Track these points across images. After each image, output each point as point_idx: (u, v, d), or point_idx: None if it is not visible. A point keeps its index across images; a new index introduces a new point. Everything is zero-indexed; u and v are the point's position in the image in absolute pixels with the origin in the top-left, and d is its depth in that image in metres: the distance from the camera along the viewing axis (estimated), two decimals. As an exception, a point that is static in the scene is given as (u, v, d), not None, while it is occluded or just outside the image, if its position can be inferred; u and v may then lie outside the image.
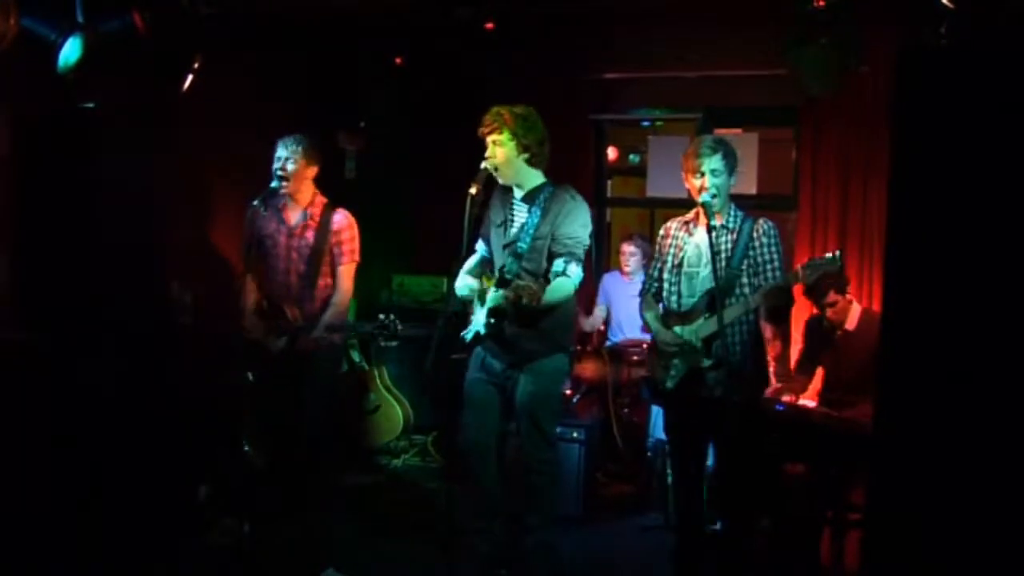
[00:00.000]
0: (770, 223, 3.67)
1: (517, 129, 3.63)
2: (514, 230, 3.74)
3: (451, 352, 3.89)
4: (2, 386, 3.73)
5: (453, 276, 3.81)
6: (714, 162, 3.55)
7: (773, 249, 3.62)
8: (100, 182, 4.04)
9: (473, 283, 3.84)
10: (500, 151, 3.66)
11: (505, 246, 3.75)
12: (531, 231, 3.67)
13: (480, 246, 3.99)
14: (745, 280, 3.61)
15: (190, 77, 4.10)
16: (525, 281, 3.36)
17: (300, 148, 4.07)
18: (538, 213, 3.68)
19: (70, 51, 3.55)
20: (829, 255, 3.50)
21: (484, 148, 3.74)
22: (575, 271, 3.60)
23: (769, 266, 3.61)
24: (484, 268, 3.91)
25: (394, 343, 4.09)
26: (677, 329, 3.68)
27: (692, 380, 3.65)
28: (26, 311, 4.01)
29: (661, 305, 3.85)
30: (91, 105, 3.98)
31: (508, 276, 3.61)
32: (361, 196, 5.41)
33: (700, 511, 3.85)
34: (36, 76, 3.67)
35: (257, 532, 4.27)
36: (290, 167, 4.06)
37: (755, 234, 3.62)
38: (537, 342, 3.67)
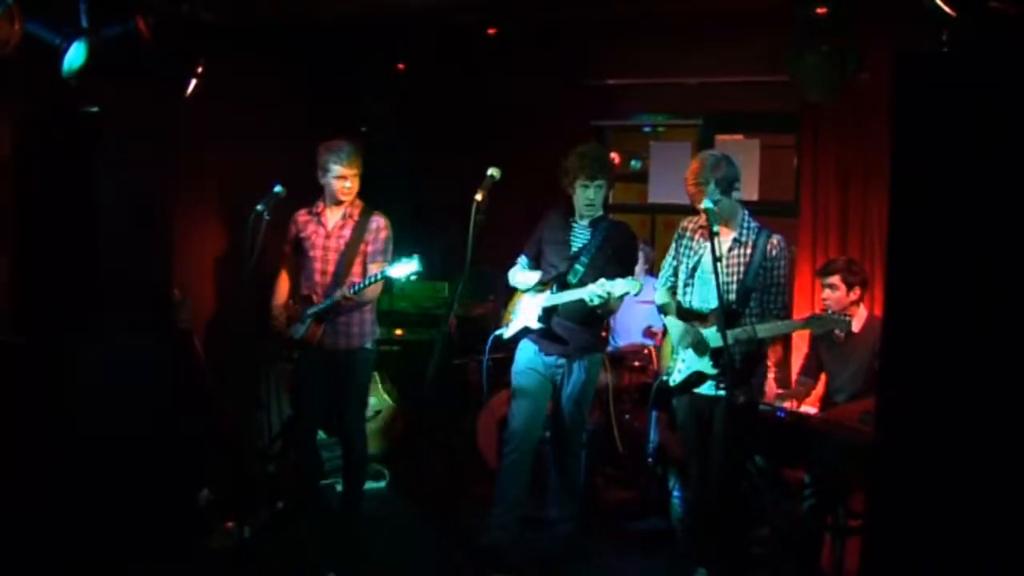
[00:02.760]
0: (784, 243, 3.78)
1: (611, 173, 4.10)
2: (576, 246, 4.11)
3: (452, 357, 3.91)
4: (2, 388, 3.73)
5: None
6: (712, 194, 3.62)
7: (782, 273, 3.74)
8: (102, 186, 4.05)
9: (532, 280, 4.14)
10: (600, 193, 4.05)
11: (566, 258, 4.10)
12: (593, 250, 4.05)
13: (524, 260, 4.26)
14: (755, 298, 3.71)
15: (192, 82, 4.11)
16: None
17: (357, 160, 4.13)
18: (601, 237, 4.07)
19: (74, 55, 3.57)
20: (847, 317, 3.77)
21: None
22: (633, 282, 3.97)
23: (775, 289, 3.73)
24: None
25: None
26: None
27: (695, 382, 3.78)
28: (27, 314, 4.02)
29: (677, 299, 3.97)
30: (94, 109, 3.99)
31: (572, 281, 4.02)
32: (362, 201, 5.42)
33: (726, 501, 3.88)
34: (40, 80, 3.68)
35: (257, 536, 4.28)
36: (356, 182, 4.15)
37: (769, 252, 3.71)
38: (589, 337, 4.14)
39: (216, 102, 4.35)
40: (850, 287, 4.30)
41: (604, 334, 5.87)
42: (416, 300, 5.98)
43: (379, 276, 4.08)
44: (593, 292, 3.79)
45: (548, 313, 4.07)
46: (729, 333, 3.52)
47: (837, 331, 4.25)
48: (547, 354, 4.11)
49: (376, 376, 5.77)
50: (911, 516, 2.45)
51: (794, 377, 4.91)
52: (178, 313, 4.62)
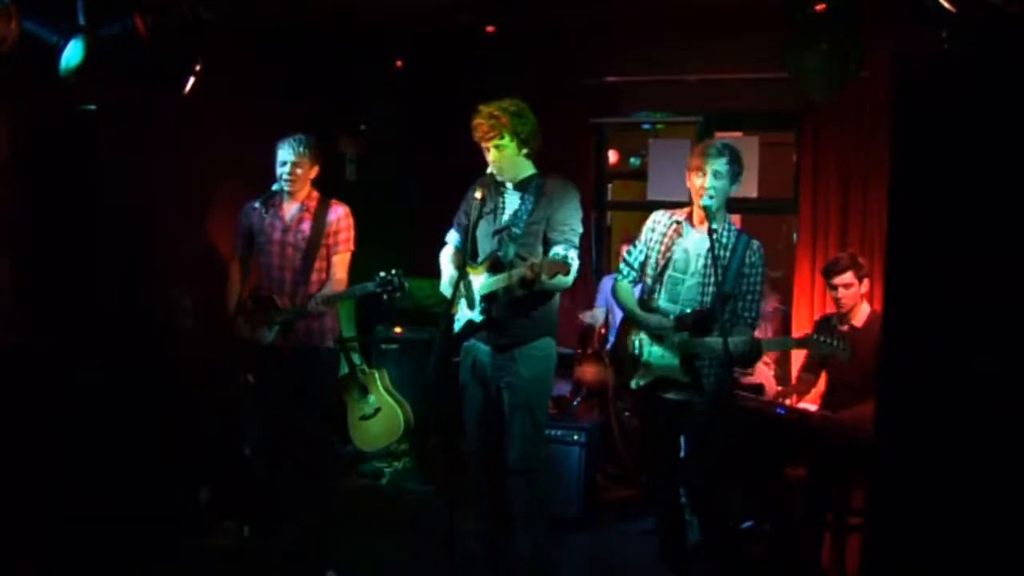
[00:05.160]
0: (761, 249, 3.61)
1: (516, 128, 3.61)
2: (506, 216, 3.70)
3: (453, 355, 3.89)
4: (3, 388, 3.73)
5: (458, 280, 3.71)
6: (719, 164, 3.51)
7: (758, 281, 3.58)
8: (101, 185, 4.05)
9: (456, 275, 3.70)
10: (503, 154, 3.63)
11: (496, 232, 3.70)
12: (524, 216, 3.63)
13: (453, 236, 3.93)
14: (729, 307, 3.54)
15: (191, 80, 4.10)
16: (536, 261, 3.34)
17: (306, 151, 4.00)
18: (531, 200, 3.64)
19: (71, 54, 3.56)
20: (842, 346, 3.58)
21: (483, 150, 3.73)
22: (575, 258, 3.56)
23: (749, 296, 3.57)
24: (461, 259, 3.77)
25: (399, 294, 4.01)
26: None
27: (661, 385, 3.63)
28: (27, 314, 4.02)
29: (638, 290, 3.79)
30: (92, 108, 3.99)
31: (504, 260, 3.60)
32: (362, 199, 5.39)
33: (678, 509, 3.86)
34: (38, 79, 3.67)
35: (257, 535, 4.28)
36: (299, 172, 4.00)
37: (748, 259, 3.56)
38: (527, 327, 3.66)
39: (215, 100, 4.33)
40: (861, 280, 4.29)
41: (603, 330, 5.89)
42: (416, 298, 5.97)
43: (357, 292, 3.98)
44: (517, 272, 3.38)
45: (489, 301, 3.61)
46: (730, 341, 3.39)
47: (847, 289, 4.25)
48: (489, 346, 3.69)
49: (376, 374, 5.77)
50: (912, 514, 2.45)
51: (794, 374, 4.91)
52: (178, 311, 4.62)
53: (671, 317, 3.60)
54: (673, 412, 3.63)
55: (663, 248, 3.67)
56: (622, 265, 3.85)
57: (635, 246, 3.81)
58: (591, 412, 5.30)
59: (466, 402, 3.83)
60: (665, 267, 3.64)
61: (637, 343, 3.69)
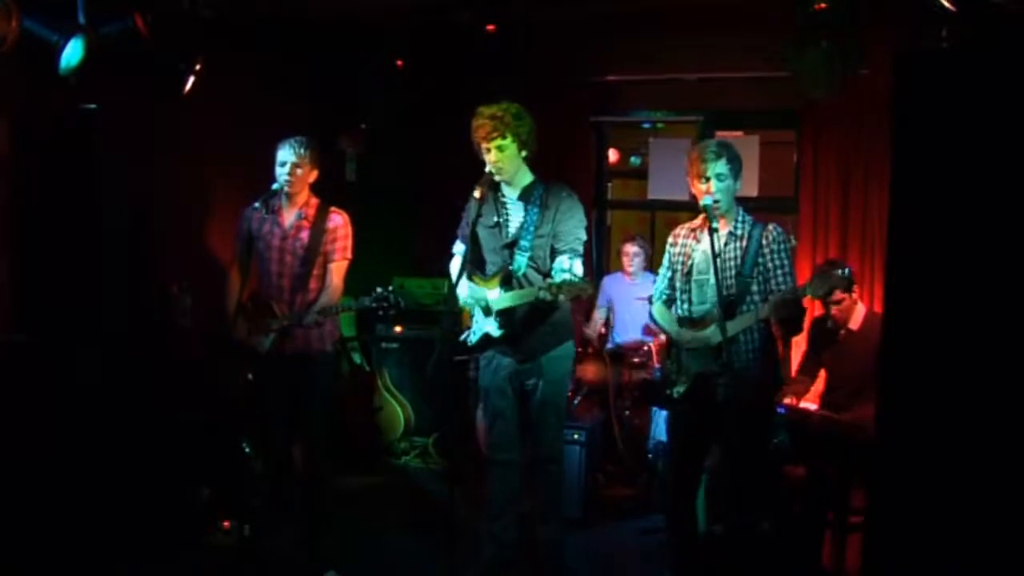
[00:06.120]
0: (779, 229, 3.66)
1: (517, 129, 3.66)
2: (512, 229, 3.75)
3: (453, 354, 3.89)
4: (2, 387, 3.73)
5: (459, 278, 3.74)
6: (719, 167, 3.54)
7: (783, 255, 3.61)
8: (101, 184, 4.04)
9: (479, 290, 3.78)
10: (504, 154, 3.66)
11: (505, 246, 3.75)
12: (532, 229, 3.69)
13: (460, 247, 3.96)
14: (756, 288, 3.60)
15: (191, 79, 4.10)
16: (561, 279, 3.44)
17: (306, 152, 4.00)
18: (536, 211, 3.70)
19: (72, 53, 3.56)
20: (839, 271, 3.55)
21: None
22: (580, 268, 3.64)
23: (780, 271, 3.60)
24: (470, 269, 3.84)
25: (393, 312, 4.04)
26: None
27: (701, 385, 3.66)
28: (26, 312, 4.02)
29: (674, 310, 3.86)
30: (92, 107, 3.99)
31: (517, 274, 3.68)
32: (362, 198, 5.41)
33: (693, 512, 3.86)
34: (38, 78, 3.68)
35: (257, 535, 4.28)
36: (299, 172, 4.00)
37: (764, 240, 3.60)
38: (548, 336, 3.77)
39: (215, 99, 4.34)
40: (848, 290, 4.30)
41: (604, 329, 5.89)
42: (416, 297, 5.98)
43: (355, 306, 4.00)
44: (542, 293, 3.45)
45: (505, 316, 3.71)
46: (734, 323, 3.48)
47: (838, 304, 4.28)
48: (511, 358, 3.80)
49: (376, 374, 5.77)
50: (912, 514, 2.45)
51: (793, 375, 4.91)
52: (177, 309, 4.62)
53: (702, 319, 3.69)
54: (711, 413, 3.62)
55: (684, 258, 3.76)
56: (654, 289, 3.94)
57: (662, 270, 3.91)
58: (592, 411, 5.30)
59: (488, 407, 3.89)
60: (690, 273, 3.73)
61: (677, 358, 3.76)
